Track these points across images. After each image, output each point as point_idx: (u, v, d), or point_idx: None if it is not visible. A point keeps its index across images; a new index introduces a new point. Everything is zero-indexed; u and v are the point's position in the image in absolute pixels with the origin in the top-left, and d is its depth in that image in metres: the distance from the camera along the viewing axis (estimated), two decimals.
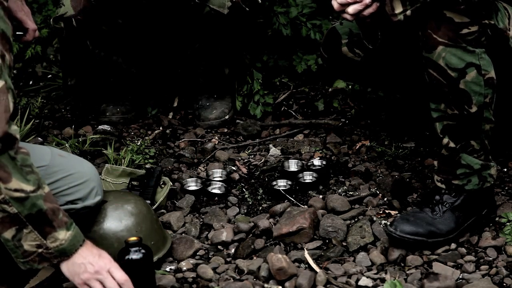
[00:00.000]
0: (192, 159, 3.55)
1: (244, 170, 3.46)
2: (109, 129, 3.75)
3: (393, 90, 3.49)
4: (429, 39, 2.69)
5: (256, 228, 2.97)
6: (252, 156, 3.58)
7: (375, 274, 2.72)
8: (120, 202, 2.77)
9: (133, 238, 2.54)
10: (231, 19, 3.56)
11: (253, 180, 3.38)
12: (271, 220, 3.03)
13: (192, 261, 2.82)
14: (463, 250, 2.82)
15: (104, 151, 3.47)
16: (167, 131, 3.80)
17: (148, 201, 3.00)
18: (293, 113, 3.92)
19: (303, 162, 3.44)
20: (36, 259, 2.40)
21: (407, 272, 2.72)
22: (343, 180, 3.33)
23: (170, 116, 3.94)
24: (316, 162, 3.41)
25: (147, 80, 3.98)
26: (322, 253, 2.84)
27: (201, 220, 3.10)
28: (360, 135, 3.66)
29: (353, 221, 3.01)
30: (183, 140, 3.73)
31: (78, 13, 3.56)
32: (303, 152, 3.57)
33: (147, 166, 3.41)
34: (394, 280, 2.56)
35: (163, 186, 3.17)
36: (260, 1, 3.64)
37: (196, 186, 3.32)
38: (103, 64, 3.76)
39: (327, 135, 3.69)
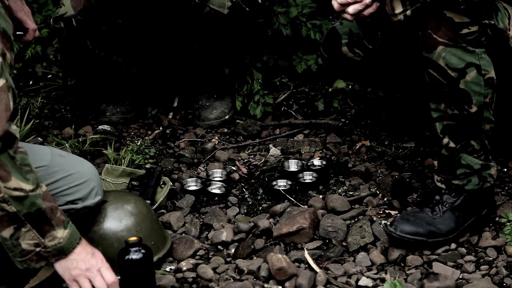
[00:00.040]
0: (192, 159, 3.54)
1: (244, 170, 3.46)
2: (109, 129, 3.75)
3: (393, 90, 3.49)
4: (429, 39, 2.69)
5: (256, 228, 2.96)
6: (252, 156, 3.58)
7: (375, 274, 2.71)
8: (120, 202, 2.76)
9: (133, 238, 2.54)
10: (231, 19, 3.56)
11: (253, 180, 3.38)
12: (271, 220, 3.03)
13: (192, 261, 2.82)
14: (463, 250, 2.82)
15: (104, 151, 3.47)
16: (167, 131, 3.80)
17: (148, 201, 3.00)
18: (293, 113, 3.92)
19: (303, 162, 3.44)
20: (34, 258, 2.40)
21: (407, 272, 2.72)
22: (343, 180, 3.33)
23: (170, 116, 3.94)
24: (316, 162, 3.41)
25: (147, 80, 3.98)
26: (322, 253, 2.84)
27: (201, 220, 3.10)
28: (360, 135, 3.66)
29: (353, 221, 3.01)
30: (183, 140, 3.73)
31: (78, 13, 3.56)
32: (303, 152, 3.57)
33: (147, 166, 3.41)
34: (394, 280, 2.56)
35: (163, 186, 3.17)
36: (260, 1, 3.64)
37: (196, 186, 3.32)
38: (103, 64, 3.76)
39: (327, 135, 3.69)
